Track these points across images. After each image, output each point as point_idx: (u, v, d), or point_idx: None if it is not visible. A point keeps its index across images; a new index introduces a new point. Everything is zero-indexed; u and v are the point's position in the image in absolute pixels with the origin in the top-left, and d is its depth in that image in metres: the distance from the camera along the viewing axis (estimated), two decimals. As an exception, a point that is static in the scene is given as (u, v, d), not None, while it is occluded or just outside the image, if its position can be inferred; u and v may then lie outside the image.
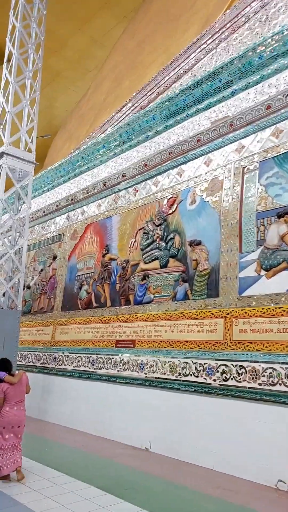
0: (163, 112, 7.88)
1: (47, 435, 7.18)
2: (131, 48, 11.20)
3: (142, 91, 9.80)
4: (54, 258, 9.75)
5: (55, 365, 8.43)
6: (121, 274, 7.57)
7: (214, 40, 8.17)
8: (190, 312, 6.02)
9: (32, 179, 8.76)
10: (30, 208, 8.65)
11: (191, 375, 5.68)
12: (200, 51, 8.45)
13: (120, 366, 6.91)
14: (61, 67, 17.51)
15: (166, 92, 9.05)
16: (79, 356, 7.90)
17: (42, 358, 8.93)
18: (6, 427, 4.63)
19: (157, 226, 7.07)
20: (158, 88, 9.29)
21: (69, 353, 8.20)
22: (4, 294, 7.96)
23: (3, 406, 4.66)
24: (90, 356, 7.63)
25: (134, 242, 7.51)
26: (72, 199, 9.66)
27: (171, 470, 5.20)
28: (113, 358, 7.12)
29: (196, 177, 6.62)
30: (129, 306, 7.19)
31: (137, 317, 6.93)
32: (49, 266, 9.83)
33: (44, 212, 10.53)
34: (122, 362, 6.88)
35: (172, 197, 6.96)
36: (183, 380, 5.77)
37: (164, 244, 6.85)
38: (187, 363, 5.79)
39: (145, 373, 6.40)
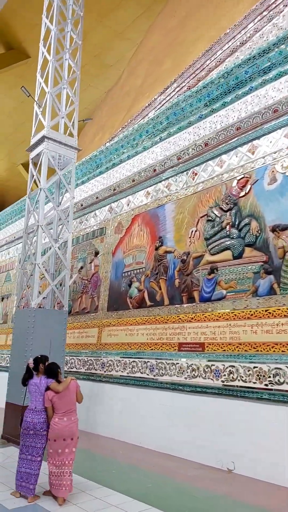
0: (220, 88, 7.01)
1: (99, 450, 6.34)
2: (171, 27, 10.38)
3: (189, 70, 8.96)
4: (96, 254, 8.93)
5: (104, 371, 7.58)
6: (181, 268, 6.70)
7: (277, 5, 7.28)
8: (279, 309, 5.11)
9: (75, 166, 7.97)
10: (74, 198, 7.84)
11: (287, 383, 4.77)
12: (261, 19, 7.57)
13: (188, 372, 6.02)
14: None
15: (219, 68, 8.19)
16: (134, 361, 7.04)
17: (88, 363, 8.10)
18: (57, 440, 4.09)
19: (226, 211, 6.19)
20: (209, 64, 8.42)
21: (120, 357, 7.36)
22: (41, 293, 7.17)
23: (53, 416, 4.17)
24: (148, 361, 6.77)
25: (195, 231, 6.64)
26: (114, 190, 8.84)
27: (269, 498, 4.29)
28: (177, 363, 6.24)
29: (275, 153, 5.72)
30: (194, 304, 6.31)
31: (205, 317, 6.04)
32: (90, 263, 9.02)
33: (82, 205, 9.73)
34: (191, 368, 6.00)
35: (243, 177, 6.07)
36: (276, 390, 4.85)
37: (236, 231, 5.96)
38: (280, 369, 4.88)
39: (222, 381, 5.50)
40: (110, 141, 9.99)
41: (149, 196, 7.88)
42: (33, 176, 7.77)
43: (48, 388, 4.24)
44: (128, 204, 8.39)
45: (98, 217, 9.24)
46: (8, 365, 10.78)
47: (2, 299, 12.63)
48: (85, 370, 8.10)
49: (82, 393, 4.43)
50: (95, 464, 5.66)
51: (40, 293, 7.08)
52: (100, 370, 7.68)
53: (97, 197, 9.32)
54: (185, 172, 7.20)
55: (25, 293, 7.43)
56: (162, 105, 9.33)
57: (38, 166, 7.59)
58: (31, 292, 6.99)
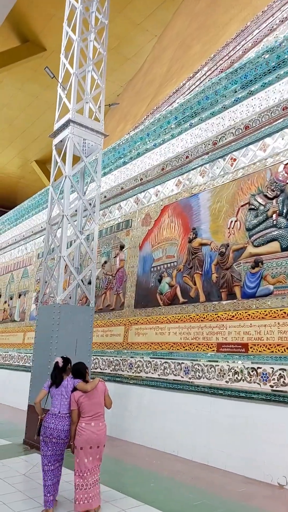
0: (259, 68, 6.45)
1: (130, 459, 5.82)
2: (199, 10, 9.86)
3: (221, 52, 8.40)
4: (122, 247, 8.43)
5: (132, 373, 7.08)
6: (219, 262, 6.15)
7: None
8: None
9: (101, 153, 7.48)
10: (100, 186, 7.35)
11: None
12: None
13: (229, 375, 5.47)
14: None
15: (256, 48, 7.63)
16: (166, 362, 6.52)
17: (113, 364, 7.60)
18: (84, 448, 3.68)
19: (271, 199, 5.62)
20: (244, 44, 7.86)
21: (150, 358, 6.84)
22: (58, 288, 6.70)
23: (79, 421, 3.76)
24: (182, 363, 6.24)
25: (235, 221, 6.08)
26: (141, 179, 8.32)
27: None
28: (217, 365, 5.69)
29: None
30: (235, 300, 5.76)
31: (249, 315, 5.49)
32: (115, 257, 8.52)
33: (105, 197, 9.24)
34: (233, 370, 5.45)
35: (292, 161, 5.51)
36: None
37: (284, 220, 5.39)
38: None
39: (271, 386, 4.95)
40: (134, 129, 9.49)
41: (180, 185, 7.35)
42: (57, 163, 7.31)
43: (74, 390, 3.85)
44: (156, 195, 7.86)
45: (123, 209, 8.74)
46: (27, 364, 10.36)
47: (19, 296, 12.21)
48: (111, 371, 7.60)
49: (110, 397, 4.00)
50: (129, 475, 5.15)
51: (64, 288, 6.61)
52: (128, 371, 7.18)
53: (122, 188, 8.82)
54: (221, 158, 6.65)
55: (49, 288, 6.97)
56: (191, 90, 8.80)
57: (62, 153, 7.12)
58: (56, 287, 6.52)
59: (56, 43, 20.54)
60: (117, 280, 8.29)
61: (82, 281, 6.89)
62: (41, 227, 11.80)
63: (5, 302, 12.99)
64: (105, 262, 8.80)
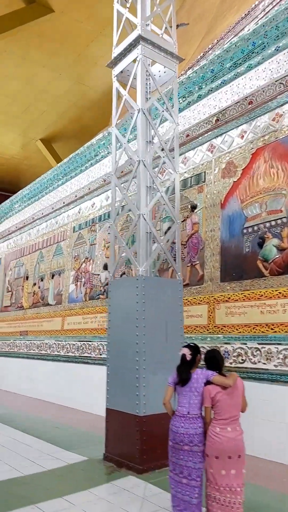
0: None
1: (261, 480, 4.36)
2: None
3: None
4: (193, 208, 6.82)
5: (231, 363, 5.56)
6: None
7: None
8: None
9: (177, 82, 5.79)
10: (178, 125, 5.67)
11: None
12: None
13: None
14: None
15: None
16: (286, 349, 4.99)
17: (198, 352, 6.08)
18: (219, 458, 2.99)
19: None
20: None
21: (258, 343, 5.31)
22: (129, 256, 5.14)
23: (211, 424, 3.06)
24: (313, 348, 4.71)
25: None
26: (217, 121, 6.63)
27: None
28: None
29: None
30: None
31: None
32: (184, 221, 6.91)
33: (162, 149, 7.53)
34: None
35: None
36: None
37: None
38: None
39: None
40: (198, 61, 7.73)
41: (281, 119, 5.67)
42: (119, 99, 5.64)
43: (207, 384, 3.11)
44: (242, 137, 6.19)
45: (190, 161, 7.07)
46: (70, 354, 8.89)
47: (53, 276, 10.67)
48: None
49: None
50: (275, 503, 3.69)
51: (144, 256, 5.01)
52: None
53: (187, 135, 7.13)
54: None
55: (120, 257, 5.40)
56: (274, 6, 7.02)
57: (129, 82, 5.43)
58: (137, 254, 4.93)
59: (65, 2, 18.34)
60: (190, 249, 6.71)
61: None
62: (75, 196, 10.17)
63: (35, 284, 11.47)
64: (169, 228, 7.19)
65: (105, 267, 8.63)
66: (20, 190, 13.62)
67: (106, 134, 9.56)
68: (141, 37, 5.18)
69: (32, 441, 5.86)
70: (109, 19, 19.91)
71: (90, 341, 8.43)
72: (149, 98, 5.55)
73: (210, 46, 8.37)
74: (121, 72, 5.68)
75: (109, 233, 8.68)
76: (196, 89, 7.12)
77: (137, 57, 5.22)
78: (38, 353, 10.31)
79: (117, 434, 4.81)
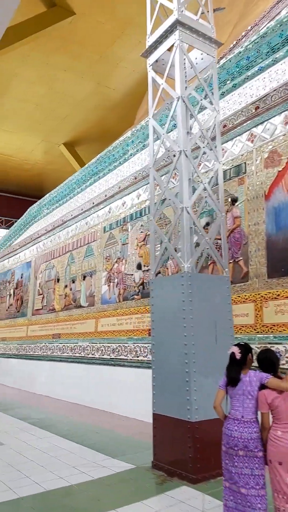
0: None
1: None
2: None
3: None
4: (233, 201, 6.48)
5: (287, 364, 5.20)
6: None
7: None
8: None
9: (216, 69, 5.49)
10: (219, 112, 5.37)
11: None
12: None
13: None
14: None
15: None
16: None
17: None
18: (283, 464, 2.73)
19: None
20: None
21: (314, 343, 4.94)
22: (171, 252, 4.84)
23: (272, 428, 2.84)
24: None
25: None
26: (257, 108, 6.28)
27: None
28: None
29: None
30: None
31: None
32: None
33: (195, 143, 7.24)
34: None
35: None
36: None
37: None
38: None
39: None
40: (231, 50, 7.41)
41: None
42: (155, 89, 5.39)
43: (262, 387, 2.92)
44: (286, 123, 5.82)
45: (229, 152, 6.75)
46: (105, 356, 8.68)
47: (84, 277, 10.53)
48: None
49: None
50: None
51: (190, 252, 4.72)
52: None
53: (224, 126, 6.82)
54: None
55: (159, 255, 5.13)
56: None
57: (167, 70, 5.17)
58: (180, 250, 4.66)
59: (86, 4, 18.30)
60: (232, 245, 6.37)
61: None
62: (105, 196, 9.99)
63: (66, 286, 11.36)
64: (208, 224, 6.89)
65: (139, 266, 8.39)
66: (48, 193, 13.60)
67: (135, 131, 9.35)
68: (178, 21, 4.92)
69: (74, 447, 5.67)
70: (130, 18, 19.80)
71: (126, 343, 8.20)
72: (187, 87, 5.27)
73: (243, 33, 8.02)
74: (156, 61, 5.44)
75: (141, 232, 8.46)
76: (231, 78, 6.80)
77: (174, 43, 4.96)
78: (72, 356, 10.17)
79: (166, 441, 4.54)
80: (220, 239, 6.60)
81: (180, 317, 4.46)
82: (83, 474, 4.53)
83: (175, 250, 5.09)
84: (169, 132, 6.93)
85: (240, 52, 6.59)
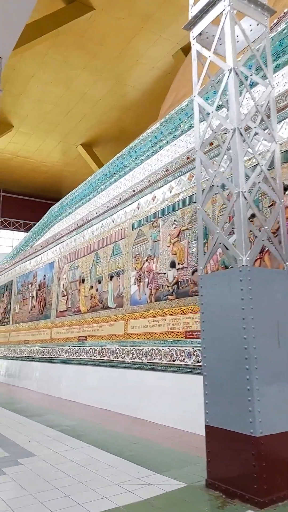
0: None
1: None
2: None
3: None
4: (285, 189, 5.91)
5: None
6: None
7: None
8: None
9: (269, 39, 4.95)
10: (273, 87, 4.82)
11: None
12: None
13: None
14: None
15: None
16: None
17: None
18: None
19: None
20: None
21: None
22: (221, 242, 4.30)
23: None
24: None
25: None
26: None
27: None
28: None
29: None
30: None
31: None
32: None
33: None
34: None
35: None
36: None
37: None
38: None
39: None
40: (283, 17, 6.82)
41: None
42: (200, 65, 4.89)
43: None
44: None
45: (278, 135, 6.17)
46: (136, 360, 8.17)
47: (111, 277, 10.06)
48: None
49: None
50: None
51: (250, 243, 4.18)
52: None
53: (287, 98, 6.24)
54: None
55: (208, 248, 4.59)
56: None
57: (215, 41, 4.66)
58: (238, 241, 4.12)
59: (106, -2, 17.61)
60: (281, 237, 5.79)
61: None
62: (133, 191, 9.52)
63: (92, 287, 10.92)
64: (253, 216, 6.32)
65: (172, 264, 7.88)
66: (70, 192, 13.22)
67: (164, 122, 8.86)
68: (227, -15, 4.41)
69: (113, 460, 5.17)
70: (150, 13, 19.28)
71: (161, 347, 7.69)
72: (250, 48, 4.75)
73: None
74: (200, 34, 4.94)
75: (175, 228, 7.94)
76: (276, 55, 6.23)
77: (223, 10, 4.44)
78: (100, 359, 9.71)
79: (223, 457, 4.00)
80: (273, 232, 6.05)
81: (239, 317, 3.92)
82: (129, 494, 4.03)
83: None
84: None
85: None
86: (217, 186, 4.63)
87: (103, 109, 25.11)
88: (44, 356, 13.03)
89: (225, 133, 4.39)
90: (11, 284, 17.87)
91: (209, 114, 4.67)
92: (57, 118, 25.78)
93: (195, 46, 4.86)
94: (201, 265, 4.52)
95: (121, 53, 20.72)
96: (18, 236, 34.34)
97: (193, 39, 4.92)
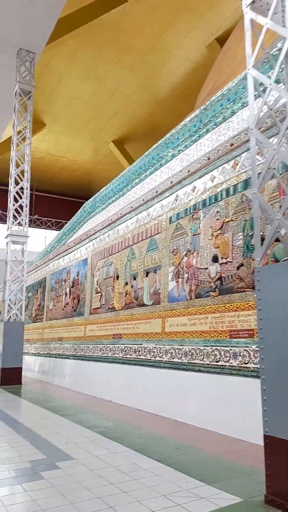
0: None
1: None
2: None
3: None
4: None
5: None
6: None
7: None
8: None
9: None
10: None
11: None
12: None
13: None
14: None
15: None
16: None
17: None
18: None
19: None
20: None
21: None
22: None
23: None
24: None
25: None
26: None
27: None
28: None
29: None
30: None
31: None
32: None
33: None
34: None
35: None
36: None
37: None
38: None
39: None
40: None
41: None
42: (254, 35, 4.42)
43: None
44: None
45: None
46: (175, 360, 7.72)
47: (147, 273, 9.70)
48: None
49: None
50: None
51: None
52: None
53: None
54: None
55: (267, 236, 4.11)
56: None
57: (270, 13, 4.19)
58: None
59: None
60: None
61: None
62: (171, 182, 9.11)
63: (126, 283, 10.60)
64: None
65: (215, 259, 7.41)
66: (104, 187, 12.97)
67: (204, 109, 8.39)
68: None
69: (157, 467, 4.79)
70: (184, 2, 18.67)
71: (202, 346, 7.24)
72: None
73: None
74: (253, 2, 4.46)
75: (217, 219, 7.47)
76: None
77: None
78: (136, 358, 9.37)
79: (286, 471, 3.53)
80: None
81: (304, 313, 3.44)
82: (180, 508, 3.63)
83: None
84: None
85: None
86: (274, 169, 4.15)
87: (134, 104, 24.82)
88: (78, 353, 12.86)
89: (284, 108, 3.92)
90: (45, 281, 17.89)
91: (265, 89, 4.18)
92: (88, 115, 25.73)
93: (248, 15, 4.39)
94: (258, 256, 4.06)
95: (154, 46, 20.31)
96: (51, 235, 34.66)
97: (246, 6, 4.45)
